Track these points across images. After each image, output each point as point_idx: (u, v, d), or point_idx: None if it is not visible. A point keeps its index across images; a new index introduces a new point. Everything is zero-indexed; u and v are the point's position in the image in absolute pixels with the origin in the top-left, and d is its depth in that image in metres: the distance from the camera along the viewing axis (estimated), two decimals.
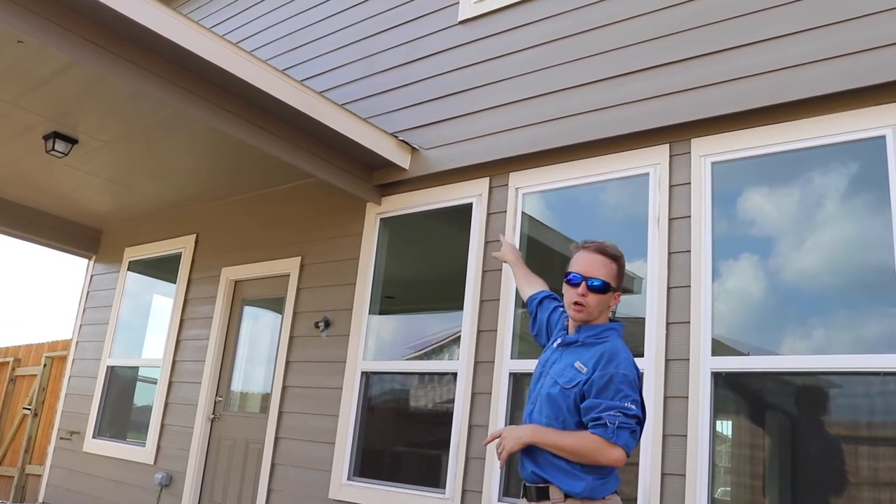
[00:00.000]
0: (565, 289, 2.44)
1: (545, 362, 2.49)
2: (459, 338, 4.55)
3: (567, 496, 2.23)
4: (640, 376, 2.31)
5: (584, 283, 2.37)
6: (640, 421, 2.24)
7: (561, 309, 2.66)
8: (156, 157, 5.74)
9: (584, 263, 2.40)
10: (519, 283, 3.06)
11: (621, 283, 2.46)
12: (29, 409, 9.38)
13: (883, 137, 3.33)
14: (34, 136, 5.38)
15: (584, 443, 2.20)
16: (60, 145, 5.36)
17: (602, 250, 2.41)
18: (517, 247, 4.36)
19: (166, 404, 6.38)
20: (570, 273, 2.41)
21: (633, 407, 2.20)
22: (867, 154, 3.41)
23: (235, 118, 4.49)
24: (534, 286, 2.93)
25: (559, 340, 2.50)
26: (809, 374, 3.40)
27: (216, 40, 4.15)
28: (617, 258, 2.43)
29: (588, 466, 2.22)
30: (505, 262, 3.39)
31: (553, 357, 2.46)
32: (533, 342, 4.24)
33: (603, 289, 2.37)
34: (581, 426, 2.25)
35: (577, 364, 2.31)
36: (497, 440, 2.39)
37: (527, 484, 2.35)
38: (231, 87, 4.36)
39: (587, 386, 2.24)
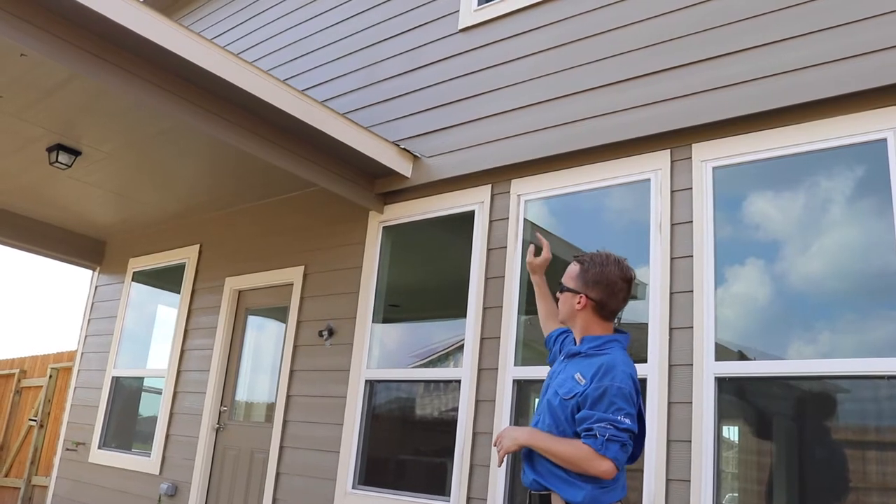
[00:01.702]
0: None
1: (552, 374, 2.55)
2: (463, 345, 4.55)
3: None
4: (638, 390, 2.31)
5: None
6: (634, 435, 2.23)
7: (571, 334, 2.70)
8: (158, 168, 5.76)
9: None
10: (540, 313, 2.98)
11: (586, 286, 2.43)
12: (35, 421, 9.41)
13: (884, 140, 3.32)
14: (38, 148, 5.40)
15: (575, 451, 2.21)
16: (64, 157, 5.39)
17: (574, 258, 2.54)
18: (525, 257, 4.31)
19: (171, 414, 6.38)
20: None
21: (627, 421, 2.19)
22: (869, 157, 3.40)
23: (237, 128, 4.50)
24: (553, 322, 2.87)
25: (565, 352, 2.56)
26: (815, 379, 3.38)
27: (217, 51, 4.17)
28: (581, 261, 2.49)
29: (587, 475, 2.21)
30: (532, 272, 2.99)
31: (559, 368, 2.51)
32: (536, 348, 4.26)
33: (560, 289, 2.51)
34: (578, 437, 2.26)
35: (577, 375, 2.33)
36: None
37: (531, 492, 2.37)
38: (232, 98, 4.38)
39: (582, 398, 2.26)
